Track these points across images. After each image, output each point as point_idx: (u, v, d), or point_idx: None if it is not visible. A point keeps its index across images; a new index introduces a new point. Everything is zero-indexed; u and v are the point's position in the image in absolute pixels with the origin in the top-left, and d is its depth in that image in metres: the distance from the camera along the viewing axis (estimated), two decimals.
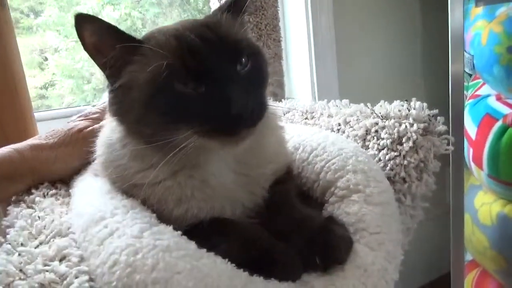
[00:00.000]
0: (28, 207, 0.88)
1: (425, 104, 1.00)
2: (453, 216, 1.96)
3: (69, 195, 0.93)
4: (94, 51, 0.74)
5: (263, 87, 0.81)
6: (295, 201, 0.84)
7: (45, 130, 1.06)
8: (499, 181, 1.93)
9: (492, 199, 2.05)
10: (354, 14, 2.19)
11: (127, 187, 0.80)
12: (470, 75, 2.21)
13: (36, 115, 1.30)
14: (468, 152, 2.05)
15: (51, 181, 1.01)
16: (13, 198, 0.95)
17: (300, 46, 2.07)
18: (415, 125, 0.96)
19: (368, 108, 1.09)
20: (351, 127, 1.09)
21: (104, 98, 1.17)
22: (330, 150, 0.94)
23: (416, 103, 1.01)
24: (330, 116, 1.18)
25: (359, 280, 0.71)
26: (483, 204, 2.08)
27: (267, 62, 0.85)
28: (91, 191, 0.84)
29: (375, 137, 1.03)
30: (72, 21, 0.71)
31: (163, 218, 0.75)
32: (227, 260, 0.67)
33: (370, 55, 2.27)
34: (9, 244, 0.73)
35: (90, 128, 1.04)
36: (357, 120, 1.09)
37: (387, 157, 0.98)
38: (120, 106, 0.77)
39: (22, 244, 0.73)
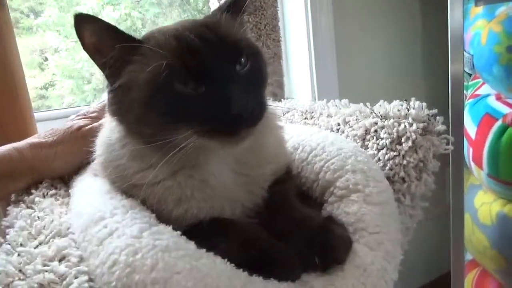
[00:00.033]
0: (28, 207, 0.88)
1: (424, 104, 1.00)
2: (453, 216, 1.96)
3: (68, 195, 0.94)
4: (94, 51, 0.74)
5: (262, 87, 0.81)
6: (295, 201, 0.84)
7: (45, 131, 1.06)
8: (499, 181, 1.93)
9: (492, 198, 2.05)
10: (354, 14, 2.19)
11: (126, 187, 0.80)
12: (470, 75, 2.21)
13: (36, 115, 1.31)
14: (468, 151, 2.05)
15: (51, 179, 1.01)
16: (13, 198, 0.95)
17: (300, 46, 2.07)
18: (414, 124, 0.96)
19: (368, 108, 1.09)
20: (351, 127, 1.09)
21: (103, 98, 1.17)
22: (329, 150, 0.94)
23: (415, 103, 1.00)
24: (329, 116, 1.18)
25: (358, 280, 0.71)
26: (483, 203, 2.08)
27: (266, 62, 0.85)
28: (91, 191, 0.85)
29: (374, 137, 1.03)
30: (72, 21, 0.71)
31: (162, 218, 0.75)
32: (226, 260, 0.67)
33: (370, 55, 2.27)
34: (9, 244, 0.73)
35: (89, 126, 1.05)
36: (356, 120, 1.09)
37: (386, 156, 0.98)
38: (120, 106, 0.77)
39: (21, 245, 0.73)
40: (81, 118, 1.08)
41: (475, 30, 2.05)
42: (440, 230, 2.18)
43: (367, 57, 2.26)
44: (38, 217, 0.81)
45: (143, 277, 0.60)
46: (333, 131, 1.12)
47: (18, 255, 0.69)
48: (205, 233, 0.75)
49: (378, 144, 1.01)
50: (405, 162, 0.95)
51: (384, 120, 1.02)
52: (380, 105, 1.08)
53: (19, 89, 1.18)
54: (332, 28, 2.07)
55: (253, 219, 0.81)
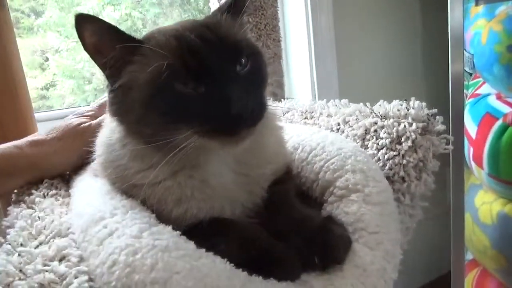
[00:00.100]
0: (28, 207, 0.88)
1: (424, 104, 1.00)
2: (454, 215, 1.95)
3: (69, 195, 0.94)
4: (94, 51, 0.74)
5: (262, 87, 0.81)
6: (294, 201, 0.84)
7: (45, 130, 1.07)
8: (499, 180, 1.93)
9: (492, 198, 2.05)
10: (354, 14, 2.19)
11: (126, 187, 0.80)
12: (470, 74, 2.21)
13: (37, 115, 1.31)
14: (468, 151, 2.05)
15: (51, 177, 1.02)
16: (13, 198, 0.95)
17: (300, 46, 2.08)
18: (414, 124, 0.96)
19: (367, 107, 1.09)
20: (351, 126, 1.09)
21: (100, 98, 1.18)
22: (329, 150, 0.94)
23: (415, 103, 1.00)
24: (329, 115, 1.19)
25: (358, 279, 0.71)
26: (483, 203, 2.08)
27: (266, 62, 0.85)
28: (91, 191, 0.85)
29: (374, 137, 1.03)
30: (73, 22, 0.71)
31: (162, 218, 0.75)
32: (226, 260, 0.67)
33: (370, 55, 2.27)
34: (9, 244, 0.73)
35: (88, 123, 1.06)
36: (356, 119, 1.09)
37: (386, 156, 0.98)
38: (120, 106, 0.77)
39: (22, 245, 0.73)
40: (78, 117, 1.09)
41: (475, 29, 2.05)
42: (441, 230, 2.18)
43: (367, 57, 2.26)
44: (39, 217, 0.82)
45: (143, 277, 0.60)
46: (333, 131, 1.12)
47: (19, 255, 0.69)
48: (205, 233, 0.75)
49: (377, 143, 1.01)
50: (404, 161, 0.95)
51: (383, 119, 1.02)
52: (380, 105, 1.08)
53: (19, 90, 1.18)
54: (332, 28, 2.07)
55: (253, 219, 0.81)
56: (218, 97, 0.70)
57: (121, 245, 0.65)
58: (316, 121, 1.22)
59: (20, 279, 0.64)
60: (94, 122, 1.05)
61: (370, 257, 0.74)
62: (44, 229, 0.77)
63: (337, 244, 0.73)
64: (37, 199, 0.90)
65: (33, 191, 0.94)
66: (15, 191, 0.98)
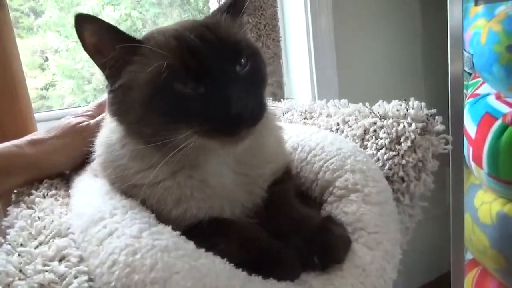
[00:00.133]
0: (28, 207, 0.88)
1: (423, 104, 1.00)
2: (453, 215, 1.96)
3: (68, 195, 0.94)
4: (94, 51, 0.74)
5: (262, 87, 0.81)
6: (294, 201, 0.84)
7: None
8: (499, 180, 1.93)
9: (492, 198, 2.05)
10: (354, 14, 2.19)
11: (126, 187, 0.80)
12: (470, 74, 2.21)
13: (37, 115, 1.31)
14: (468, 151, 2.05)
15: (51, 176, 1.02)
16: (13, 198, 0.95)
17: (300, 46, 2.08)
18: (413, 124, 0.96)
19: (367, 107, 1.09)
20: (350, 126, 1.09)
21: (98, 99, 1.18)
22: (329, 150, 0.95)
23: (414, 103, 1.01)
24: (329, 115, 1.19)
25: (357, 279, 0.71)
26: (483, 203, 2.08)
27: (266, 62, 0.85)
28: (91, 191, 0.85)
29: (373, 137, 1.03)
30: (72, 22, 0.71)
31: (162, 218, 0.75)
32: (225, 260, 0.67)
33: (370, 55, 2.27)
34: (9, 244, 0.73)
35: (86, 122, 1.07)
36: (355, 119, 1.09)
37: (385, 156, 0.98)
38: (120, 106, 0.77)
39: (21, 245, 0.73)
40: (77, 117, 1.09)
41: (475, 29, 2.05)
42: (440, 230, 2.18)
43: (367, 57, 2.26)
44: (38, 218, 0.82)
45: (143, 277, 0.60)
46: (333, 131, 1.12)
47: (19, 255, 0.69)
48: (205, 233, 0.75)
49: (377, 144, 1.01)
50: (404, 161, 0.95)
51: (383, 120, 1.02)
52: (379, 105, 1.08)
53: (19, 90, 1.18)
54: (332, 28, 2.07)
55: (253, 219, 0.81)
56: (218, 97, 0.70)
57: (121, 245, 0.65)
58: (315, 121, 1.22)
59: (20, 279, 0.64)
60: (92, 121, 1.07)
61: (369, 257, 0.75)
62: (44, 229, 0.77)
63: (336, 244, 0.73)
64: (37, 199, 0.90)
65: (33, 191, 0.95)
66: (15, 191, 0.98)
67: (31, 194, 0.93)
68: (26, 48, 1.82)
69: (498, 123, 1.89)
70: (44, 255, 0.69)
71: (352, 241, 0.77)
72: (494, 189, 2.01)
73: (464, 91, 2.08)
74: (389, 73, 2.35)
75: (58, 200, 0.92)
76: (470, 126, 2.03)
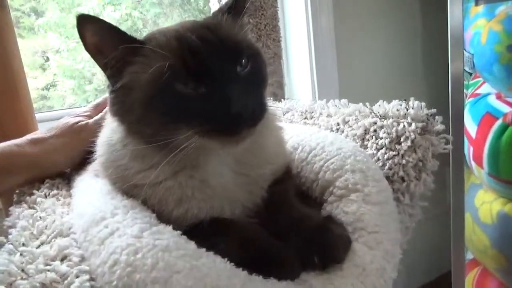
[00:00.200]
0: (30, 207, 0.89)
1: (423, 104, 1.00)
2: (454, 215, 1.96)
3: (70, 195, 0.94)
4: (96, 51, 0.74)
5: (263, 88, 0.81)
6: (294, 200, 0.85)
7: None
8: (499, 180, 1.93)
9: (492, 197, 2.05)
10: (354, 14, 2.19)
11: (127, 187, 0.80)
12: (470, 74, 2.21)
13: (38, 116, 1.31)
14: (468, 150, 2.05)
15: (51, 175, 1.03)
16: (15, 198, 0.96)
17: (300, 46, 2.08)
18: (413, 124, 0.97)
19: (367, 107, 1.10)
20: (350, 126, 1.10)
21: (96, 99, 1.19)
22: (329, 150, 0.95)
23: (414, 103, 1.01)
24: (329, 115, 1.19)
25: (357, 279, 0.71)
26: (483, 202, 2.09)
27: (266, 63, 0.85)
28: (92, 191, 0.85)
29: (373, 137, 1.03)
30: (73, 22, 0.71)
31: (163, 218, 0.76)
32: (226, 259, 0.67)
33: (370, 55, 2.27)
34: (11, 244, 0.73)
35: (84, 122, 1.08)
36: (356, 119, 1.09)
37: (385, 156, 0.98)
38: (121, 106, 0.77)
39: (23, 244, 0.73)
40: (75, 117, 1.11)
41: (475, 29, 2.05)
42: (441, 230, 2.19)
43: (367, 57, 2.26)
44: (40, 217, 0.82)
45: (144, 277, 0.60)
46: (333, 131, 1.12)
47: (21, 254, 0.70)
48: (205, 233, 0.75)
49: (377, 143, 1.01)
50: (404, 161, 0.96)
51: (383, 119, 1.03)
52: (379, 105, 1.08)
53: (20, 90, 1.18)
54: (332, 28, 2.07)
55: (253, 219, 0.82)
56: (219, 97, 0.71)
57: (122, 244, 0.65)
58: (316, 121, 1.22)
59: (22, 278, 0.65)
60: (90, 120, 1.08)
61: (369, 257, 0.75)
62: (46, 229, 0.78)
63: (336, 243, 0.73)
64: (38, 199, 0.91)
65: (35, 191, 0.95)
66: (17, 191, 0.98)
67: (32, 194, 0.94)
68: (27, 48, 1.83)
69: (498, 122, 1.89)
70: (46, 254, 0.69)
71: (352, 241, 0.77)
72: (495, 188, 2.01)
73: (465, 91, 2.08)
74: (389, 73, 2.35)
75: (59, 200, 0.93)
76: (470, 126, 2.03)
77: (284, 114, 1.34)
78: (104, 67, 0.76)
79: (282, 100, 1.63)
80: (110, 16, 1.97)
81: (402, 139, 0.97)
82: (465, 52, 2.01)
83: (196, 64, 0.71)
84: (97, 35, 0.72)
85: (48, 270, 0.66)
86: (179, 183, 0.78)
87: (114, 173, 0.82)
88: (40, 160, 1.00)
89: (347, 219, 0.81)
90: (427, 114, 0.98)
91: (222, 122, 0.71)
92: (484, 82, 2.11)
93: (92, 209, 0.76)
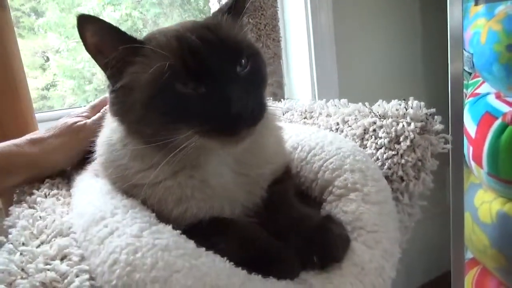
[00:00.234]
0: (30, 207, 0.89)
1: (422, 103, 1.01)
2: (453, 215, 1.96)
3: (70, 195, 0.94)
4: (96, 51, 0.75)
5: (262, 88, 0.82)
6: (293, 200, 0.85)
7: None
8: (499, 179, 1.93)
9: (492, 197, 2.05)
10: (354, 14, 2.19)
11: (127, 187, 0.80)
12: (470, 74, 2.21)
13: (38, 116, 1.31)
14: (468, 150, 2.05)
15: (50, 174, 1.03)
16: (15, 198, 0.96)
17: (300, 46, 2.08)
18: (412, 124, 0.97)
19: (366, 107, 1.10)
20: (350, 126, 1.10)
21: (95, 100, 1.20)
22: (328, 150, 0.95)
23: (413, 102, 1.01)
24: (328, 115, 1.19)
25: (356, 278, 0.71)
26: (483, 202, 2.09)
27: (266, 63, 0.85)
28: (92, 191, 0.85)
29: (373, 136, 1.03)
30: (73, 22, 0.71)
31: (163, 218, 0.76)
32: (225, 258, 0.67)
33: (370, 55, 2.27)
34: (11, 243, 0.73)
35: (83, 122, 1.08)
36: (355, 119, 1.10)
37: (384, 156, 0.98)
38: (121, 106, 0.78)
39: (23, 244, 0.74)
40: (73, 117, 1.11)
41: (475, 29, 2.05)
42: (440, 229, 2.19)
43: (367, 57, 2.26)
44: (40, 217, 0.82)
45: (143, 276, 0.61)
46: (332, 131, 1.13)
47: (21, 254, 0.70)
48: (205, 232, 0.75)
49: (376, 143, 1.01)
50: (403, 161, 0.96)
51: (382, 119, 1.03)
52: (378, 105, 1.08)
53: (20, 90, 1.18)
54: (332, 28, 2.07)
55: (253, 219, 0.82)
56: (218, 97, 0.71)
57: (122, 244, 0.65)
58: (315, 121, 1.22)
59: (22, 278, 0.65)
60: (89, 120, 1.08)
61: (368, 256, 0.75)
62: (46, 228, 0.78)
63: (335, 243, 0.73)
64: (38, 199, 0.91)
65: (35, 191, 0.95)
66: (17, 191, 0.98)
67: (32, 193, 0.94)
68: (27, 48, 1.83)
69: (498, 122, 1.89)
70: (46, 254, 0.70)
71: (351, 240, 0.77)
72: (494, 188, 2.01)
73: (464, 90, 2.08)
74: (389, 73, 2.35)
75: (59, 199, 0.93)
76: (470, 126, 2.03)
77: (283, 114, 1.34)
78: (104, 67, 0.76)
79: (282, 100, 1.63)
80: (110, 16, 1.97)
81: (401, 139, 0.97)
82: (464, 51, 2.01)
83: (196, 64, 0.71)
84: (98, 35, 0.73)
85: (48, 270, 0.66)
86: (179, 183, 0.78)
87: (114, 172, 0.83)
88: (39, 160, 1.01)
89: (346, 218, 0.81)
90: (426, 114, 0.98)
91: (222, 122, 0.71)
92: (483, 82, 2.12)
93: (92, 208, 0.76)
